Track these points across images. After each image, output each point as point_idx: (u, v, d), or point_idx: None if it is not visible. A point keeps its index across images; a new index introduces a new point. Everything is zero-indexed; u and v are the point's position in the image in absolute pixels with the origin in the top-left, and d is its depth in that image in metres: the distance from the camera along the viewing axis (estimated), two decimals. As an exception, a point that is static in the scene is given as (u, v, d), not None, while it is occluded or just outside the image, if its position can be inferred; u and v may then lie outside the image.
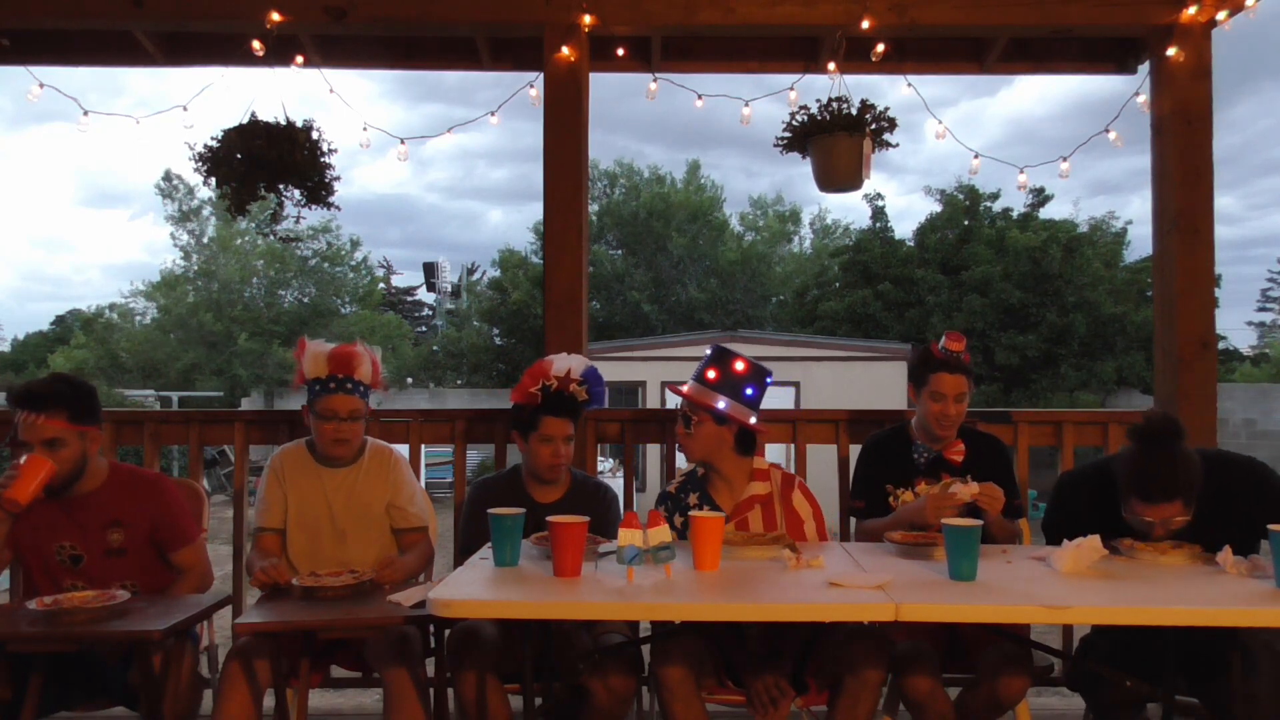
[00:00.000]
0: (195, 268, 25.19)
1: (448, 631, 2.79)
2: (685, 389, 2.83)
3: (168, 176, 24.78)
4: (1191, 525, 2.56)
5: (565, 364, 3.05)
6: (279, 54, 3.69)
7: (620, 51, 3.84)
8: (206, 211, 24.89)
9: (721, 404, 2.76)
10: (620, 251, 29.16)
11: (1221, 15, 3.59)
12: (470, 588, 2.20)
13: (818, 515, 2.88)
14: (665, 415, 3.83)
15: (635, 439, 3.78)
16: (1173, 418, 2.59)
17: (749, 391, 2.81)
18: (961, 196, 23.24)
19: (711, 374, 2.80)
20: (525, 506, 2.75)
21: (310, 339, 3.05)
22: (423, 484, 3.37)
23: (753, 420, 2.81)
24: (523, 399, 3.02)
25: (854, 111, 3.55)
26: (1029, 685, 2.56)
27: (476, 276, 38.63)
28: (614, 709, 2.51)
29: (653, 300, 27.65)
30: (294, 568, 2.94)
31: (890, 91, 3.90)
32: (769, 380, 2.86)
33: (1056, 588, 2.19)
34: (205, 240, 25.14)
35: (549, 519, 2.28)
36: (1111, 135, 3.84)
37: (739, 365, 2.82)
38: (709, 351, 2.87)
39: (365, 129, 3.98)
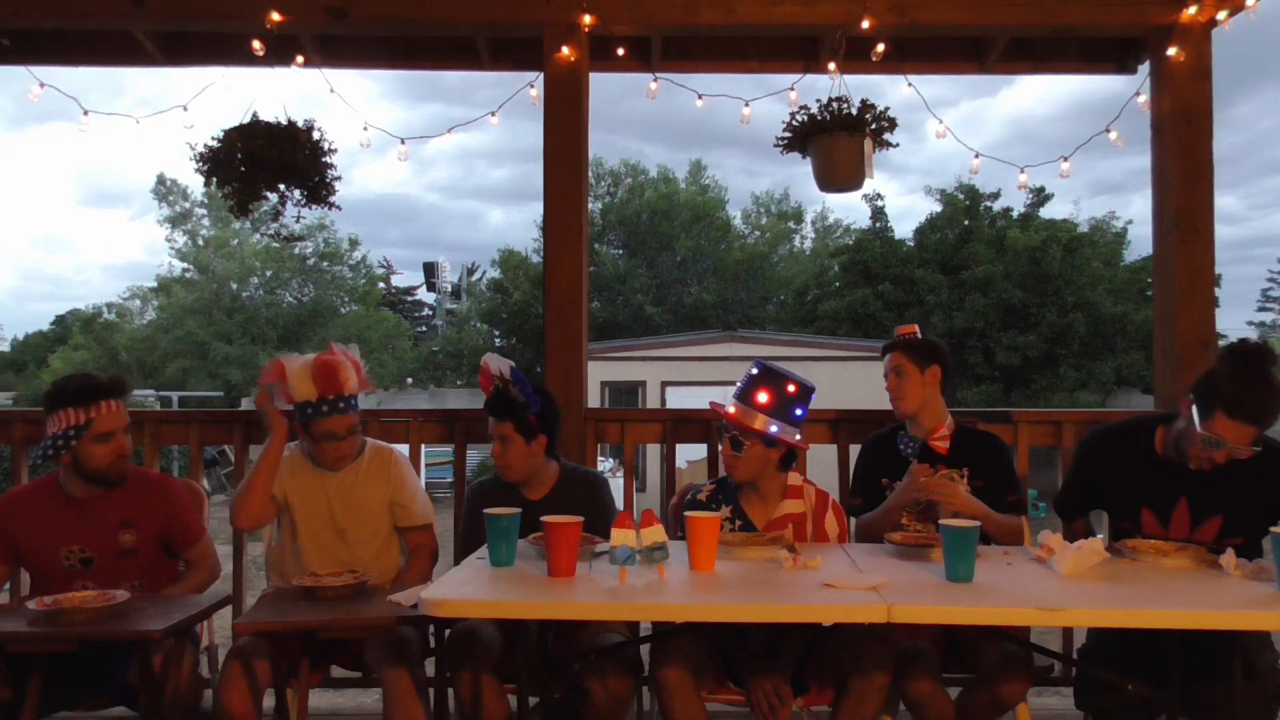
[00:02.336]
0: (192, 269, 25.19)
1: (448, 631, 2.79)
2: (733, 412, 2.76)
3: (161, 180, 24.79)
4: (1218, 502, 2.59)
5: (496, 365, 3.02)
6: (279, 54, 3.69)
7: (620, 51, 3.83)
8: (200, 212, 24.89)
9: (774, 428, 2.72)
10: (621, 251, 29.16)
11: (1221, 15, 3.58)
12: (463, 587, 2.20)
13: (843, 536, 2.88)
14: (665, 415, 3.82)
15: (635, 439, 3.77)
16: (1269, 346, 2.57)
17: (798, 412, 2.78)
18: (961, 196, 23.26)
19: (763, 397, 2.74)
20: (518, 504, 2.77)
21: (284, 357, 2.99)
22: (422, 484, 3.37)
23: (797, 438, 2.77)
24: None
25: (854, 111, 3.55)
26: (1029, 687, 2.56)
27: (476, 276, 38.65)
28: (613, 709, 2.52)
29: (656, 301, 27.65)
30: (298, 568, 2.95)
31: (890, 91, 3.90)
32: (814, 396, 2.84)
33: (1053, 589, 2.19)
34: (201, 241, 25.14)
35: (543, 519, 2.28)
36: (1112, 135, 3.84)
37: (791, 388, 2.76)
38: (755, 370, 2.81)
39: (365, 129, 3.98)
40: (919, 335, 3.15)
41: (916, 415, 3.05)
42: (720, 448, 2.82)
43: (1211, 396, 2.49)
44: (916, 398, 3.04)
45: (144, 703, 2.51)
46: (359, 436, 3.05)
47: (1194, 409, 2.53)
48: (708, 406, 3.00)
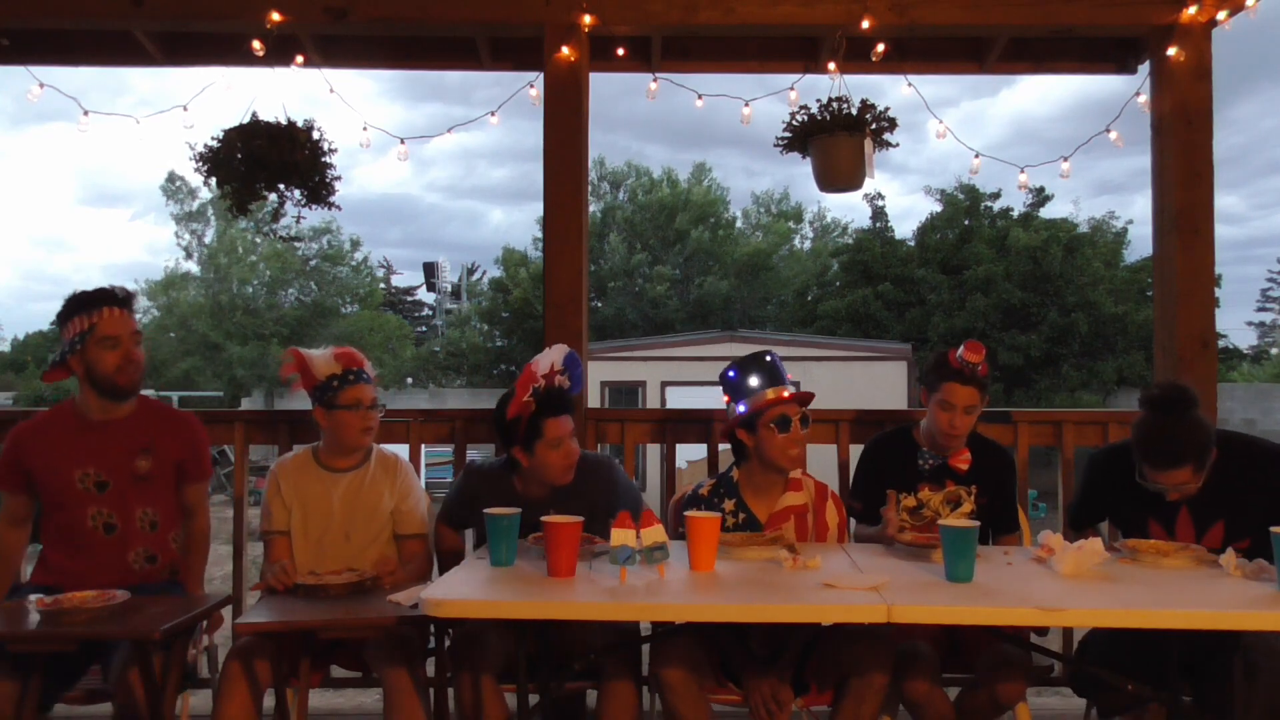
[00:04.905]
0: (196, 268, 25.20)
1: (449, 632, 2.78)
2: (794, 392, 2.79)
3: (172, 177, 24.80)
4: (1218, 508, 2.61)
5: (548, 359, 2.93)
6: (279, 54, 3.69)
7: (620, 51, 3.84)
8: (208, 212, 24.91)
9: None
10: (624, 250, 29.17)
11: (1221, 15, 3.58)
12: (463, 588, 2.20)
13: (843, 525, 2.89)
14: (665, 415, 3.82)
15: (635, 439, 3.77)
16: (1182, 385, 2.61)
17: None
18: (962, 196, 23.25)
19: (791, 376, 2.82)
20: (524, 499, 2.80)
21: (298, 349, 3.07)
22: (422, 483, 3.37)
23: None
24: (520, 411, 2.84)
25: (854, 111, 3.55)
26: (1027, 687, 2.56)
27: (476, 276, 38.65)
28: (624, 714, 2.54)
29: (667, 296, 27.66)
30: (300, 570, 2.94)
31: (891, 91, 3.91)
32: None
33: (1053, 589, 2.19)
34: (207, 240, 25.17)
35: (543, 519, 2.28)
36: (1112, 135, 3.84)
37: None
38: (769, 357, 2.85)
39: (365, 129, 3.99)
40: (985, 364, 2.95)
41: (960, 446, 2.98)
42: (786, 438, 2.75)
43: (1135, 452, 2.60)
44: (970, 431, 2.97)
45: (144, 702, 2.51)
46: (378, 417, 3.05)
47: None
48: (715, 405, 2.99)
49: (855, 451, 3.47)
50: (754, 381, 2.80)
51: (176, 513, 2.97)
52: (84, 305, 2.82)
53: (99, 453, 2.85)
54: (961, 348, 2.91)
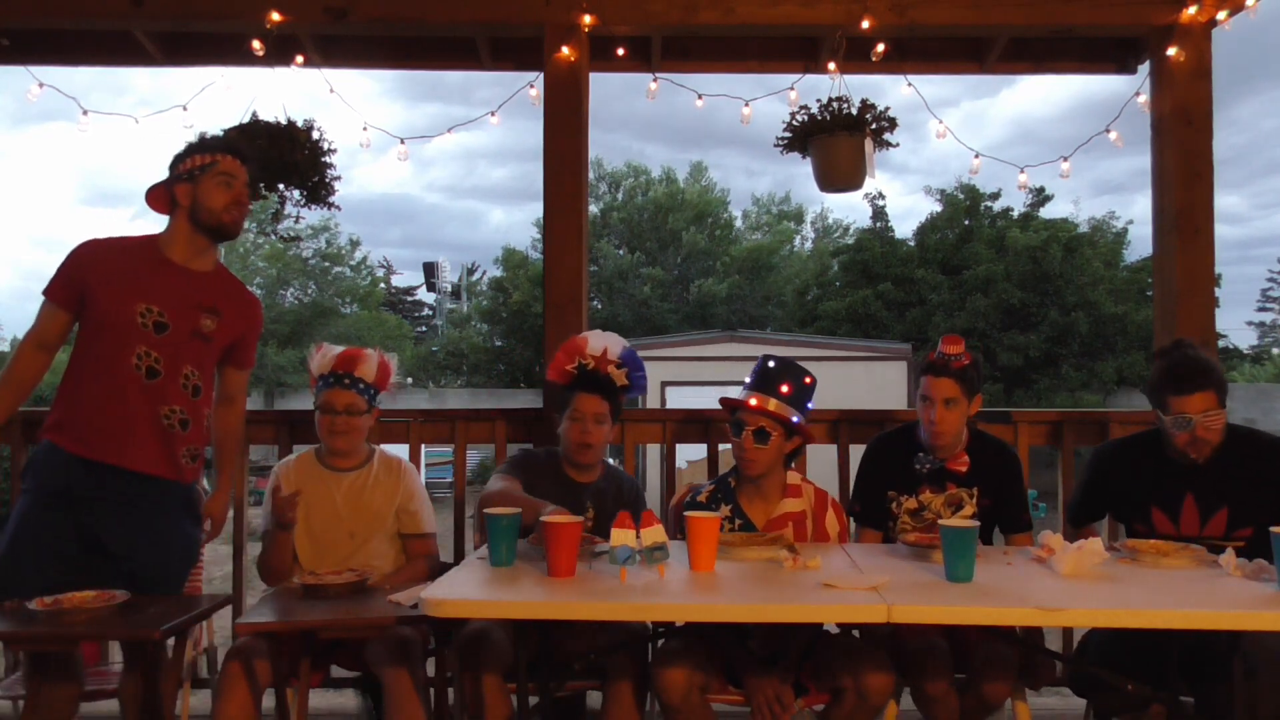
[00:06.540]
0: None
1: (452, 633, 2.78)
2: (755, 403, 2.73)
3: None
4: (1222, 495, 2.67)
5: (601, 342, 3.01)
6: (279, 54, 3.69)
7: (620, 51, 3.84)
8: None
9: (796, 419, 2.76)
10: (623, 251, 29.16)
11: (1221, 15, 3.59)
12: (463, 588, 2.20)
13: (844, 533, 2.88)
14: (665, 415, 3.82)
15: (635, 439, 3.77)
16: (1185, 339, 2.84)
17: (809, 404, 2.84)
18: (962, 196, 23.24)
19: (785, 389, 2.76)
20: (563, 485, 2.85)
21: (326, 344, 3.10)
22: (422, 480, 3.37)
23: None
24: (557, 377, 3.01)
25: (854, 111, 3.56)
26: (1013, 686, 2.56)
27: (476, 276, 38.64)
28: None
29: (661, 299, 27.64)
30: (303, 572, 2.93)
31: (891, 91, 3.91)
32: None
33: (1053, 589, 2.19)
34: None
35: (542, 519, 2.27)
36: (1112, 135, 3.84)
37: (807, 380, 2.82)
38: (772, 364, 2.81)
39: (365, 129, 3.99)
40: (968, 356, 2.88)
41: (948, 444, 2.92)
42: (737, 442, 2.76)
43: (1157, 388, 2.70)
44: (958, 429, 2.89)
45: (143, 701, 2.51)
46: (359, 428, 3.03)
47: (1157, 411, 2.71)
48: (716, 405, 3.00)
49: (853, 451, 3.47)
50: (747, 379, 2.83)
51: (213, 391, 2.87)
52: (208, 147, 2.77)
53: (168, 293, 2.71)
54: (940, 341, 2.94)
